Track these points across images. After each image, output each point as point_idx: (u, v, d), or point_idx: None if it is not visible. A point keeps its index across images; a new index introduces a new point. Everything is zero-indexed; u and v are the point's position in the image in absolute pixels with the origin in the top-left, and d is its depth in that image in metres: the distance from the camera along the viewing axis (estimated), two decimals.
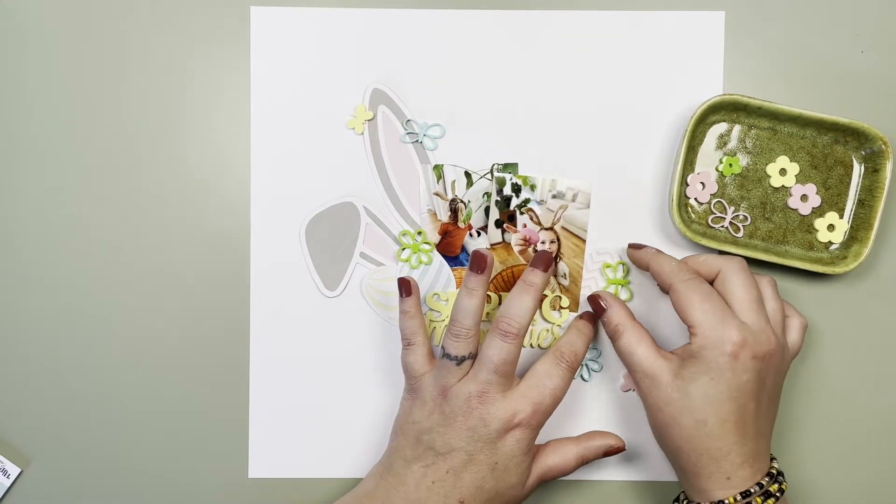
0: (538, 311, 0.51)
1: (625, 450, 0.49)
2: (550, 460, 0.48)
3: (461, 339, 0.46)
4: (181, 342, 0.52)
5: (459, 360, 0.46)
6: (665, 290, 0.47)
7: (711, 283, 0.47)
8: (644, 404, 0.47)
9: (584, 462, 0.48)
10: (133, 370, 0.52)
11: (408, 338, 0.48)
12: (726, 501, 0.43)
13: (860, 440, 0.52)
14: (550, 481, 0.49)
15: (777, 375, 0.46)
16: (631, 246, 0.50)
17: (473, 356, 0.47)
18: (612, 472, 0.52)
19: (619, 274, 0.51)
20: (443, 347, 0.47)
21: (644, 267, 0.49)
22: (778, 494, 0.43)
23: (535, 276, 0.47)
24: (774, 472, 0.44)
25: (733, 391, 0.43)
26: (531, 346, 0.52)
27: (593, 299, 0.50)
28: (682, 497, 0.47)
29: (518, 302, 0.46)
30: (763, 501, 0.43)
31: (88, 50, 0.52)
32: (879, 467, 0.52)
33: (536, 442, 0.47)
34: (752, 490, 0.43)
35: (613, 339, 0.48)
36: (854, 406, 0.52)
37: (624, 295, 0.51)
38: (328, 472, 0.52)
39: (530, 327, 0.51)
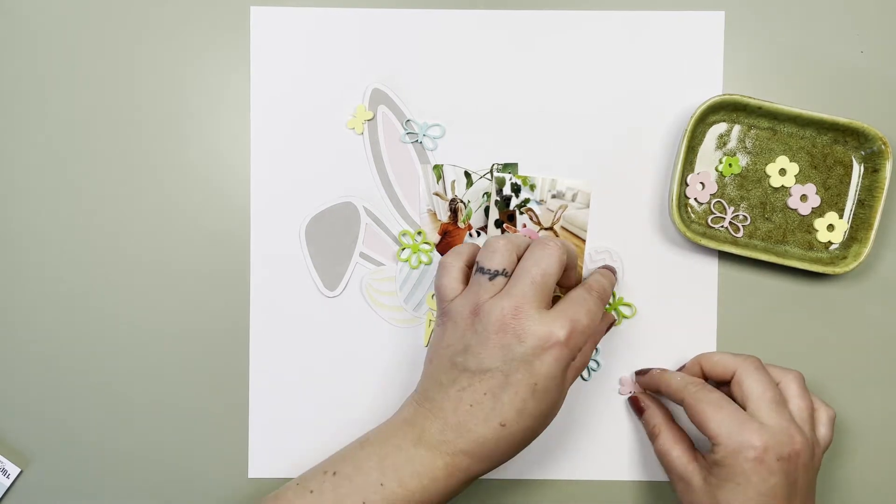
0: None
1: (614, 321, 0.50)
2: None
3: (497, 253, 0.44)
4: (181, 342, 0.52)
5: (493, 275, 0.44)
6: (675, 403, 0.48)
7: (728, 382, 0.47)
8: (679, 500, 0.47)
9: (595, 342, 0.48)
10: (133, 370, 0.52)
11: (443, 261, 0.46)
12: None
13: (860, 440, 0.52)
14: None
15: (808, 473, 0.44)
16: (637, 373, 0.51)
17: (508, 274, 0.44)
18: (612, 472, 0.52)
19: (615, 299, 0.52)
20: (476, 262, 0.45)
21: (654, 390, 0.50)
22: None
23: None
24: None
25: (762, 496, 0.42)
26: None
27: (634, 400, 0.51)
28: None
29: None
30: None
31: (88, 50, 0.52)
32: (879, 467, 0.52)
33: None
34: None
35: (651, 439, 0.49)
36: (854, 406, 0.52)
37: (627, 312, 0.51)
38: None
39: None
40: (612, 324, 0.50)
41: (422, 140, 0.51)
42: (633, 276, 0.52)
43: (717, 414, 0.44)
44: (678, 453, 0.46)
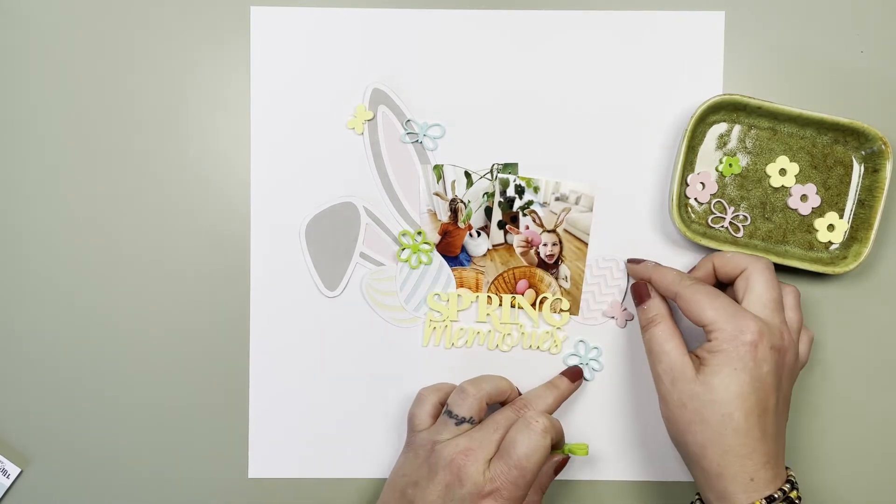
0: (539, 313, 0.52)
1: (567, 460, 0.49)
2: None
3: (467, 400, 0.46)
4: (181, 342, 0.52)
5: (459, 421, 0.46)
6: (669, 298, 0.48)
7: (734, 280, 0.48)
8: (665, 402, 0.46)
9: (544, 488, 0.48)
10: (133, 370, 0.52)
11: (420, 393, 0.49)
12: None
13: (860, 440, 0.52)
14: None
15: (790, 377, 0.46)
16: (630, 261, 0.51)
17: (474, 422, 0.46)
18: (613, 472, 0.52)
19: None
20: (447, 404, 0.47)
21: (646, 279, 0.49)
22: (797, 502, 0.43)
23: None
24: (792, 479, 0.44)
25: (755, 381, 0.43)
26: (531, 347, 0.52)
27: (640, 286, 0.49)
28: (697, 502, 0.46)
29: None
30: None
31: (89, 50, 0.52)
32: (879, 467, 0.52)
33: None
34: (776, 496, 0.42)
35: (645, 328, 0.48)
36: (854, 406, 0.52)
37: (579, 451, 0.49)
38: (328, 472, 0.52)
39: (530, 330, 0.52)
40: (561, 467, 0.49)
41: (422, 140, 0.51)
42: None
43: (713, 302, 0.45)
44: (675, 345, 0.46)
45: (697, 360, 0.45)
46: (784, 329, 0.45)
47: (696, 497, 0.46)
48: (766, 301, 0.45)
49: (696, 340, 0.48)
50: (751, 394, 0.43)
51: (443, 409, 0.48)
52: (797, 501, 0.43)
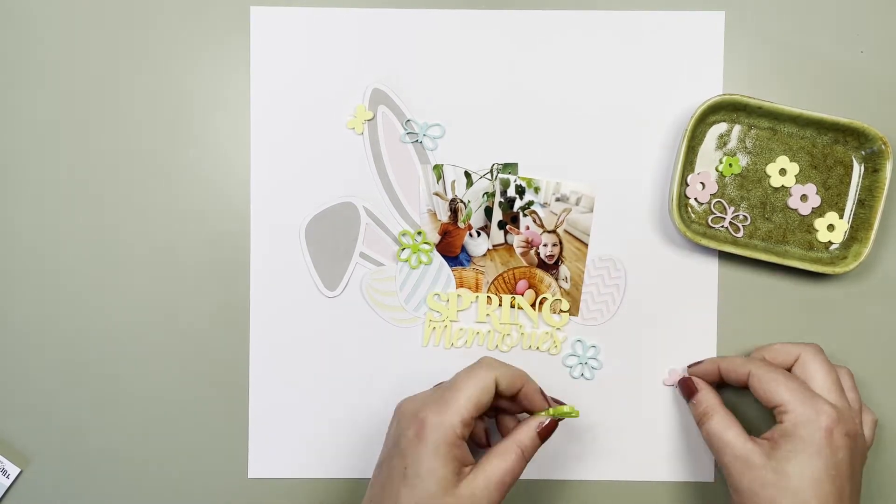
0: (538, 313, 0.52)
1: (556, 425, 0.45)
2: (489, 465, 0.43)
3: None
4: (181, 342, 0.52)
5: None
6: (738, 384, 0.47)
7: (789, 369, 0.47)
8: (735, 490, 0.44)
9: (526, 453, 0.44)
10: (133, 370, 0.52)
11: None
12: None
13: None
14: (507, 489, 0.43)
15: (862, 463, 0.44)
16: (691, 366, 0.50)
17: None
18: (612, 473, 0.52)
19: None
20: None
21: (715, 377, 0.49)
22: None
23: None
24: None
25: (831, 470, 0.42)
26: (530, 348, 0.52)
27: (686, 382, 0.49)
28: None
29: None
30: None
31: (89, 50, 0.52)
32: (879, 467, 0.52)
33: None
34: None
35: (702, 422, 0.47)
36: None
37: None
38: (328, 472, 0.52)
39: (530, 330, 0.52)
40: (547, 431, 0.45)
41: (422, 140, 0.51)
42: (634, 276, 0.52)
43: (788, 383, 0.44)
44: (735, 433, 0.45)
45: (767, 444, 0.44)
46: (854, 412, 0.44)
47: None
48: (829, 385, 0.45)
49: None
50: (826, 481, 0.42)
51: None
52: None
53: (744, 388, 0.47)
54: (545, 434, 0.45)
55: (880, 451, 0.52)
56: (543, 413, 0.45)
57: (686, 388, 0.49)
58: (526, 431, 0.44)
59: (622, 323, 0.52)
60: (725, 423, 0.46)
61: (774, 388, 0.44)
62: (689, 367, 0.51)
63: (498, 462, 0.43)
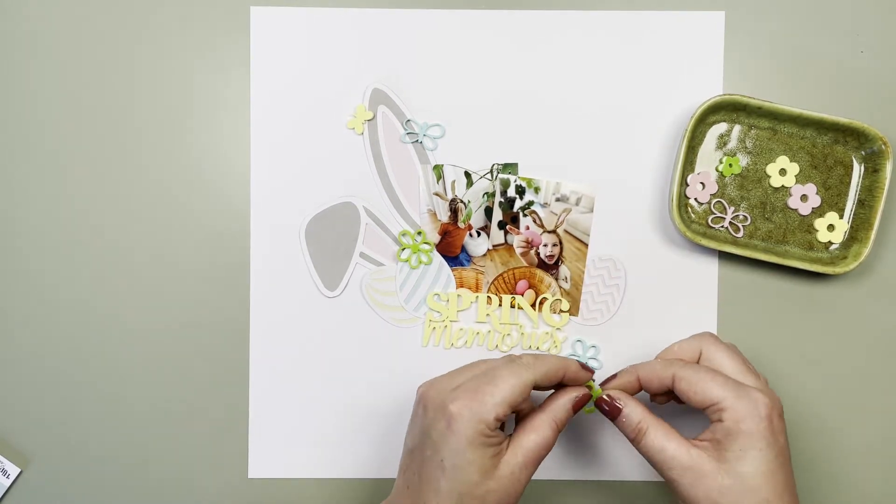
0: (538, 313, 0.52)
1: (590, 396, 0.44)
2: (526, 441, 0.42)
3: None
4: (181, 342, 0.52)
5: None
6: (662, 390, 0.45)
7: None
8: (689, 502, 0.42)
9: (560, 426, 0.43)
10: (133, 370, 0.52)
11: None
12: None
13: (860, 440, 0.52)
14: (541, 462, 0.43)
15: None
16: (606, 382, 0.46)
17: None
18: (611, 472, 0.52)
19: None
20: None
21: (635, 388, 0.45)
22: None
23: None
24: None
25: (780, 457, 0.41)
26: (530, 348, 0.52)
27: (604, 402, 0.45)
28: None
29: None
30: None
31: (89, 50, 0.52)
32: (879, 467, 0.52)
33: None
34: None
35: (637, 439, 0.43)
36: (854, 406, 0.52)
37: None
38: (328, 473, 0.52)
39: (530, 330, 0.52)
40: (580, 404, 0.44)
41: (422, 140, 0.51)
42: (634, 276, 0.52)
43: (716, 378, 0.42)
44: (676, 444, 0.42)
45: (711, 447, 0.42)
46: (770, 391, 0.43)
47: None
48: (739, 369, 0.43)
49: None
50: (778, 471, 0.41)
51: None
52: None
53: (666, 393, 0.45)
54: (579, 406, 0.44)
55: (881, 452, 0.52)
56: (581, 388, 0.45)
57: (608, 409, 0.45)
58: (562, 404, 0.44)
59: (622, 323, 0.52)
60: (663, 434, 0.43)
61: (704, 387, 0.42)
62: (605, 382, 0.46)
63: (534, 437, 0.42)
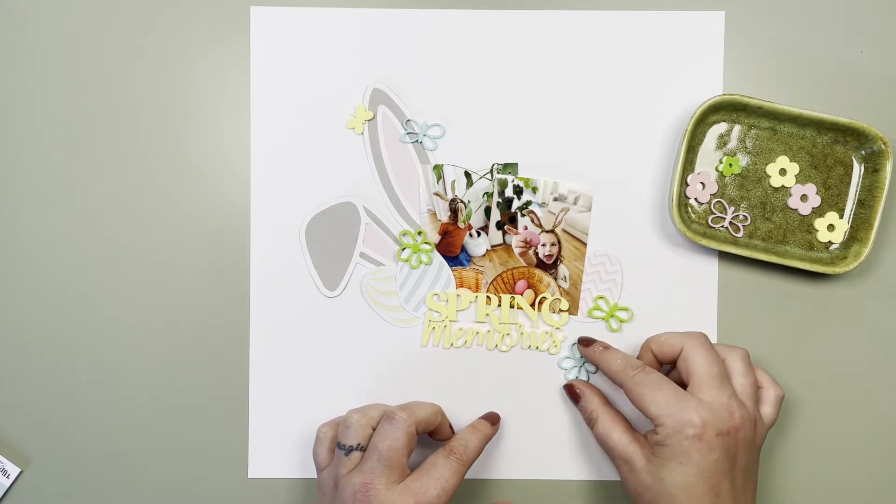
0: (538, 313, 0.52)
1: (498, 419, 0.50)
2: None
3: (350, 428, 0.46)
4: (181, 342, 0.52)
5: (348, 450, 0.45)
6: (619, 386, 0.48)
7: (675, 361, 0.47)
8: (626, 487, 0.46)
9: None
10: (133, 370, 0.52)
11: (318, 431, 0.48)
12: None
13: (860, 441, 0.52)
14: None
15: (749, 450, 0.45)
16: (580, 341, 0.51)
17: (363, 448, 0.45)
18: (609, 472, 0.52)
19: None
20: (337, 438, 0.47)
21: (594, 363, 0.50)
22: None
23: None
24: None
25: (703, 472, 0.43)
26: (530, 347, 0.52)
27: (569, 388, 0.51)
28: None
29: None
30: None
31: (89, 49, 0.52)
32: (880, 467, 0.52)
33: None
34: None
35: (590, 425, 0.49)
36: (854, 406, 0.52)
37: (624, 316, 0.51)
38: None
39: (529, 330, 0.52)
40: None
41: (422, 140, 0.51)
42: (634, 276, 0.52)
43: (656, 395, 0.45)
44: (618, 436, 0.47)
45: (648, 445, 0.45)
46: (734, 406, 0.44)
47: None
48: (708, 380, 0.45)
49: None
50: (699, 484, 0.43)
51: None
52: None
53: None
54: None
55: (880, 451, 0.52)
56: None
57: (570, 395, 0.51)
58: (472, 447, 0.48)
59: (622, 323, 0.52)
60: (610, 423, 0.47)
61: (644, 402, 0.45)
62: (580, 339, 0.51)
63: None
